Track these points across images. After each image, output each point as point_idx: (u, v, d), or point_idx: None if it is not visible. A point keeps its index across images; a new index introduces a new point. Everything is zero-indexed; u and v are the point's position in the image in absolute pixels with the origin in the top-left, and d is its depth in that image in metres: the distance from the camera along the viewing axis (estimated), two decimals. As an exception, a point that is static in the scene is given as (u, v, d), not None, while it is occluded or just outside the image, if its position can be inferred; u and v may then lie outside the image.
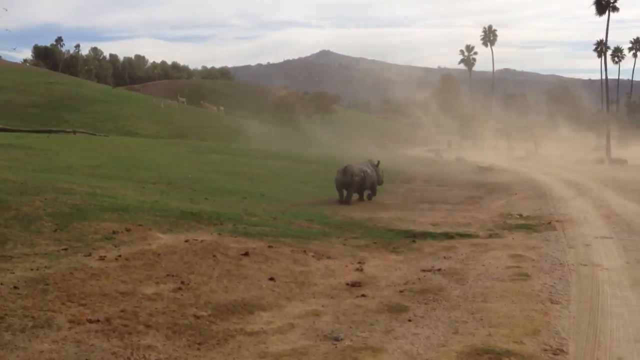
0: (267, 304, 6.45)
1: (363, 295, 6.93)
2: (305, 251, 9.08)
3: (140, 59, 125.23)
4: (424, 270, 8.25)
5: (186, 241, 8.59)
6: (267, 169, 24.03)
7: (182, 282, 6.75)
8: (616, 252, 9.74)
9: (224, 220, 11.11)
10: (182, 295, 6.36)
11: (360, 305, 6.56)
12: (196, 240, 8.72)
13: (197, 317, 5.81)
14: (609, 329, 5.89)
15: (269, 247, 8.99)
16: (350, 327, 5.85)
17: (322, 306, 6.51)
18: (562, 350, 5.34)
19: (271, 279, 7.38)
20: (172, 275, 6.97)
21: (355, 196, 17.42)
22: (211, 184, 17.44)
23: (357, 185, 17.08)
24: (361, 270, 8.21)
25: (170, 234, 9.23)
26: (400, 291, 7.19)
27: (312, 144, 44.97)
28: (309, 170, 25.96)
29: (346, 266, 8.41)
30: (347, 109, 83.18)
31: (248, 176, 20.87)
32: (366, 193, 17.81)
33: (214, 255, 8.02)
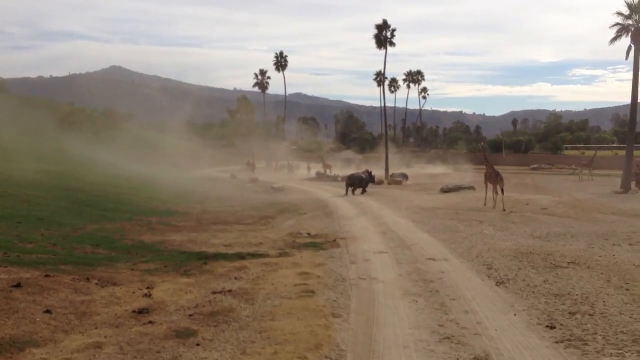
0: (40, 340, 5.91)
1: (150, 322, 6.71)
2: (88, 279, 8.52)
3: None
4: (214, 292, 8.24)
5: (-58, 275, 7.54)
6: (47, 190, 22.01)
7: None
8: (390, 265, 10.70)
9: (-7, 248, 9.97)
10: None
11: (146, 333, 6.32)
12: (-45, 272, 7.70)
13: (-48, 361, 5.11)
14: (382, 338, 6.44)
15: (46, 276, 8.28)
16: (135, 357, 5.61)
17: (105, 337, 6.15)
18: (341, 361, 5.71)
19: (47, 311, 6.79)
20: None
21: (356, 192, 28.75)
22: (-22, 208, 15.48)
23: (356, 185, 29.09)
24: (149, 295, 7.93)
25: None
26: (190, 315, 7.10)
27: (100, 164, 42.43)
28: (96, 192, 24.42)
29: (133, 292, 8.07)
30: (140, 128, 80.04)
31: (24, 199, 18.92)
32: (360, 190, 29.24)
33: (-22, 289, 7.14)
